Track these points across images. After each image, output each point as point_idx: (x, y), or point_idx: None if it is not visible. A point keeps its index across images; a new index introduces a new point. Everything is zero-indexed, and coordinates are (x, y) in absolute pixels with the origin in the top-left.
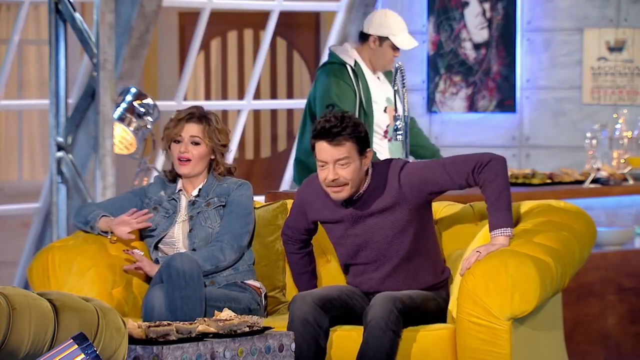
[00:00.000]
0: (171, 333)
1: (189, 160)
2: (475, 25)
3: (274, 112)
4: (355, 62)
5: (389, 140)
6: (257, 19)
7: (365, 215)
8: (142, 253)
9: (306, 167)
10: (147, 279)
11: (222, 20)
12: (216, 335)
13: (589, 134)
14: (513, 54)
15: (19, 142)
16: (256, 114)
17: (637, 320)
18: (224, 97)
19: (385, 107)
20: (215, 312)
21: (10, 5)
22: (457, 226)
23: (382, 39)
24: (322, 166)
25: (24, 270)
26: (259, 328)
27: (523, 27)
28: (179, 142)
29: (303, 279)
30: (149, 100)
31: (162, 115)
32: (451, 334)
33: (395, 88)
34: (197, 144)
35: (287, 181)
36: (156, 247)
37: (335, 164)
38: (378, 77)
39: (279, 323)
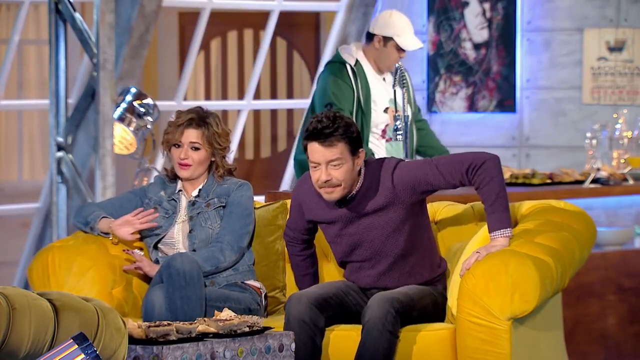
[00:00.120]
0: (171, 333)
1: (189, 165)
2: (475, 25)
3: (274, 112)
4: (357, 61)
5: (387, 140)
6: (257, 19)
7: (359, 216)
8: (142, 253)
9: (307, 167)
10: (147, 279)
11: (222, 20)
12: (216, 335)
13: (589, 134)
14: (513, 54)
15: (19, 142)
16: (256, 114)
17: (637, 320)
18: (224, 97)
19: (387, 108)
20: (215, 312)
21: (10, 5)
22: (457, 226)
23: (387, 39)
24: (315, 167)
25: (24, 270)
26: (259, 328)
27: (523, 27)
28: (179, 146)
29: (305, 281)
30: (149, 100)
31: (162, 115)
32: (451, 334)
33: (395, 88)
34: (197, 149)
35: (287, 181)
36: (156, 247)
37: (328, 165)
38: (384, 78)
39: (279, 323)
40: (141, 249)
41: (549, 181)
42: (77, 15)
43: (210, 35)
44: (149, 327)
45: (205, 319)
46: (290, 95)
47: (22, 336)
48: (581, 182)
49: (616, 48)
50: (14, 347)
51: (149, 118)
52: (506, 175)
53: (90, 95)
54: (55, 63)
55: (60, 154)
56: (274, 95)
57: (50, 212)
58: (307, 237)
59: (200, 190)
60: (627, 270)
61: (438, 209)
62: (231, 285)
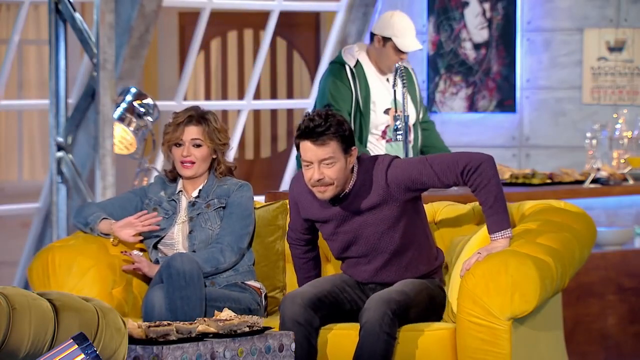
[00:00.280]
0: (171, 333)
1: (192, 162)
2: (475, 25)
3: (274, 112)
4: (357, 62)
5: (388, 141)
6: (257, 19)
7: (353, 213)
8: (142, 253)
9: None
10: (147, 279)
11: (222, 20)
12: (216, 335)
13: (589, 134)
14: (513, 54)
15: (19, 142)
16: (256, 114)
17: (637, 320)
18: (224, 97)
19: (388, 109)
20: (215, 312)
21: (10, 5)
22: (457, 226)
23: (386, 40)
24: (307, 166)
25: (24, 270)
26: (259, 328)
27: (523, 27)
28: (180, 145)
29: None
30: (149, 100)
31: (162, 115)
32: (451, 334)
33: (395, 88)
34: (198, 146)
35: (287, 181)
36: (155, 248)
37: (320, 163)
38: (387, 79)
39: (278, 323)
40: (142, 250)
41: (549, 181)
42: (77, 15)
43: (210, 35)
44: (149, 327)
45: (205, 319)
46: (290, 95)
47: (22, 336)
48: (581, 182)
49: (616, 48)
50: (14, 347)
51: (149, 118)
52: (506, 175)
53: (90, 95)
54: (55, 63)
55: (60, 154)
56: (274, 95)
57: (50, 212)
58: (309, 236)
59: (200, 190)
60: (627, 270)
61: (438, 209)
62: (231, 286)
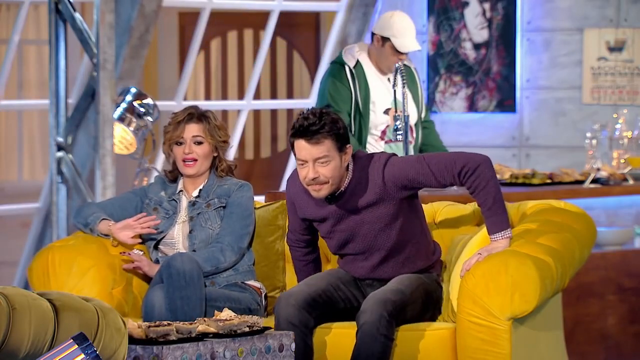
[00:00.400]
0: (171, 333)
1: (194, 160)
2: (475, 25)
3: (274, 112)
4: (357, 62)
5: (387, 142)
6: (257, 19)
7: (349, 212)
8: (142, 253)
9: None
10: (147, 279)
11: (222, 20)
12: (216, 335)
13: (589, 134)
14: (513, 54)
15: (19, 142)
16: (256, 114)
17: (637, 320)
18: (224, 97)
19: (388, 109)
20: (215, 312)
21: (10, 5)
22: (457, 226)
23: (385, 40)
24: (302, 165)
25: (24, 270)
26: (259, 328)
27: (523, 27)
28: (181, 144)
29: None
30: (149, 100)
31: (162, 115)
32: (451, 334)
33: (395, 88)
34: (200, 143)
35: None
36: (156, 248)
37: (315, 162)
38: (388, 79)
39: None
40: (142, 250)
41: (549, 181)
42: (77, 15)
43: (210, 35)
44: (149, 327)
45: (205, 319)
46: (290, 95)
47: (22, 336)
48: (581, 182)
49: (616, 48)
50: (14, 347)
51: (149, 118)
52: (506, 175)
53: (90, 95)
54: (55, 63)
55: (60, 154)
56: (274, 95)
57: (50, 212)
58: (308, 237)
59: (200, 190)
60: (627, 270)
61: (438, 209)
62: (231, 286)
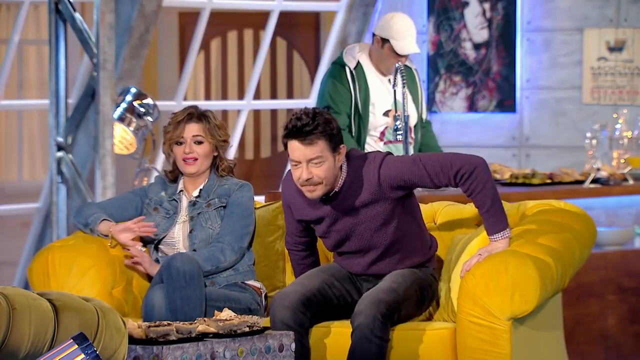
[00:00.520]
0: (171, 333)
1: (195, 159)
2: (475, 25)
3: (274, 112)
4: (358, 63)
5: (386, 143)
6: (257, 19)
7: (345, 211)
8: (144, 249)
9: None
10: (147, 278)
11: (222, 20)
12: (216, 335)
13: (589, 134)
14: (513, 54)
15: (19, 142)
16: (256, 114)
17: (637, 320)
18: (224, 97)
19: (388, 111)
20: (215, 312)
21: (10, 5)
22: (457, 226)
23: (384, 41)
24: (295, 165)
25: (24, 270)
26: (259, 328)
27: (523, 27)
28: (181, 143)
29: None
30: (149, 100)
31: (162, 115)
32: (451, 334)
33: (395, 88)
34: (200, 142)
35: None
36: (156, 248)
37: (309, 163)
38: (389, 80)
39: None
40: (146, 243)
41: (549, 181)
42: (77, 15)
43: (210, 35)
44: (149, 327)
45: (205, 319)
46: (290, 95)
47: (22, 336)
48: (581, 182)
49: (616, 48)
50: (14, 347)
51: (149, 118)
52: (506, 175)
53: (90, 95)
54: (55, 63)
55: (60, 154)
56: (274, 95)
57: (50, 212)
58: (306, 239)
59: (201, 190)
60: (627, 270)
61: (438, 209)
62: (231, 285)
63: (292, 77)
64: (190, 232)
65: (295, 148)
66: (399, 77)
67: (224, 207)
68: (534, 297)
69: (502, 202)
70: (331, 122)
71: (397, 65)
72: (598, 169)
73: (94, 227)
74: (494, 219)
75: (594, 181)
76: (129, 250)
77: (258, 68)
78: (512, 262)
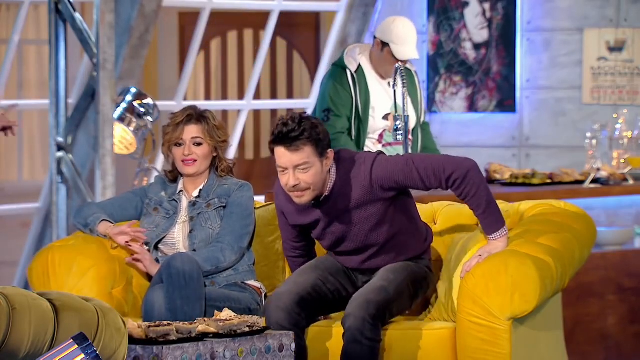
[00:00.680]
0: (171, 333)
1: (194, 160)
2: (475, 25)
3: (274, 112)
4: (359, 66)
5: (384, 145)
6: (257, 19)
7: (338, 214)
8: (146, 248)
9: None
10: (147, 278)
11: (222, 20)
12: (216, 335)
13: (589, 134)
14: (513, 54)
15: (19, 142)
16: (256, 114)
17: (637, 320)
18: (224, 97)
19: (387, 114)
20: (215, 312)
21: (10, 5)
22: (457, 226)
23: (384, 44)
24: (282, 171)
25: (24, 270)
26: (259, 328)
27: (523, 27)
28: (180, 145)
29: None
30: (149, 100)
31: (162, 115)
32: (451, 334)
33: (395, 88)
34: (199, 144)
35: None
36: (156, 248)
37: (295, 169)
38: (389, 82)
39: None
40: (147, 243)
41: (549, 181)
42: (77, 15)
43: (210, 35)
44: (149, 327)
45: (205, 319)
46: (290, 95)
47: (22, 336)
48: (581, 182)
49: (616, 48)
50: (14, 347)
51: (149, 118)
52: (506, 175)
53: (90, 95)
54: (55, 63)
55: (60, 154)
56: (274, 95)
57: (50, 212)
58: (302, 243)
59: (201, 190)
60: (627, 270)
61: (438, 209)
62: (231, 285)
63: (292, 77)
64: (190, 232)
65: (282, 154)
66: (398, 77)
67: (224, 207)
68: (534, 297)
69: (502, 202)
70: (317, 127)
71: (397, 65)
72: (598, 169)
73: (94, 228)
74: (490, 219)
75: (594, 181)
76: (130, 246)
77: (258, 68)
78: (512, 262)
